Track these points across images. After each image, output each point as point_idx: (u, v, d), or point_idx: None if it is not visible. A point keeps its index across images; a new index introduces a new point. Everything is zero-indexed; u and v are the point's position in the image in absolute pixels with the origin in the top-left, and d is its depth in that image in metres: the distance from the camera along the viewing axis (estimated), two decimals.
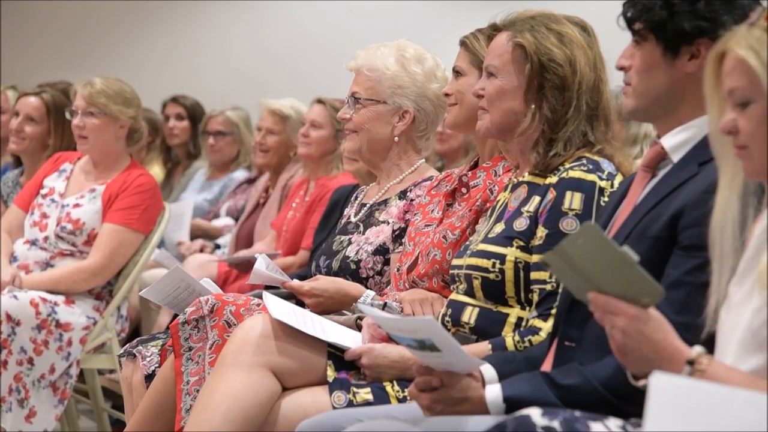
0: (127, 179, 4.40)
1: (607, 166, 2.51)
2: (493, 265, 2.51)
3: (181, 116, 6.75)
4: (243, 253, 5.13)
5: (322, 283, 3.03)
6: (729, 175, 1.82)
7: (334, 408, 2.54)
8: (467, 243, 2.67)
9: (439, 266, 2.83)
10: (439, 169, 4.29)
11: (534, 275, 2.48)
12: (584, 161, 2.51)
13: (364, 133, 3.25)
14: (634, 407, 1.95)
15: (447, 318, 2.59)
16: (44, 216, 4.38)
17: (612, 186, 2.47)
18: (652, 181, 2.18)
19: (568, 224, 2.44)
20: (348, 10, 8.45)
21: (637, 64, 2.15)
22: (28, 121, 4.93)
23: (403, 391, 2.57)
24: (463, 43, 2.99)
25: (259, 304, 2.83)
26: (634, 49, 2.17)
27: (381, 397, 2.56)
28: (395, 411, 2.36)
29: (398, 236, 3.13)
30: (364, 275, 3.13)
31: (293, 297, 3.11)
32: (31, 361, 4.12)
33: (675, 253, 2.01)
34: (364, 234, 3.20)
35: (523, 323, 2.50)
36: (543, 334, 2.42)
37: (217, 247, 5.74)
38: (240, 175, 6.30)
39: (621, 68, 2.20)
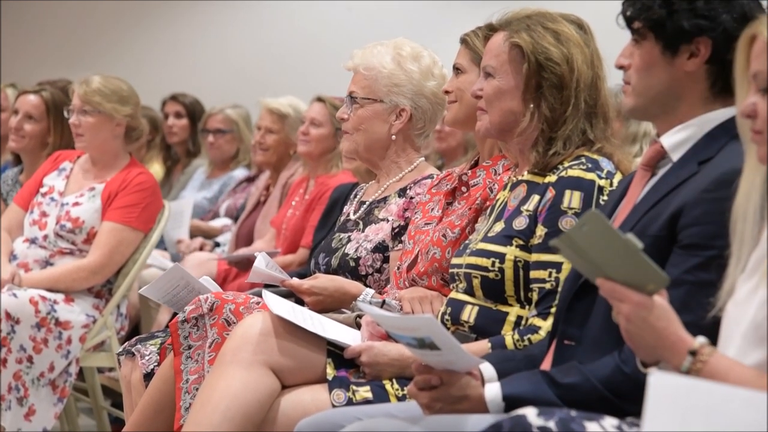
0: (126, 177, 4.40)
1: (606, 165, 2.51)
2: (493, 264, 2.51)
3: (180, 114, 6.75)
4: (242, 252, 5.13)
5: (322, 281, 3.03)
6: (755, 159, 1.81)
7: (334, 406, 2.54)
8: (467, 242, 2.67)
9: (438, 264, 2.83)
10: (439, 168, 4.29)
11: (533, 274, 2.48)
12: (583, 160, 2.51)
13: (361, 133, 3.25)
14: (633, 406, 1.95)
15: (446, 316, 2.60)
16: (44, 214, 4.38)
17: (611, 185, 2.47)
18: (652, 179, 2.18)
19: (567, 223, 2.44)
20: (348, 9, 8.45)
21: (637, 62, 2.15)
22: (27, 119, 4.92)
23: (402, 390, 2.57)
24: (463, 41, 3.00)
25: (258, 303, 2.83)
26: (633, 48, 2.17)
27: (380, 396, 2.57)
28: (394, 409, 2.37)
29: (398, 234, 3.13)
30: (363, 272, 3.13)
31: (292, 295, 3.11)
32: (30, 359, 4.12)
33: (674, 251, 2.01)
34: (363, 231, 3.20)
35: (523, 322, 2.50)
36: (542, 333, 2.42)
37: (217, 245, 5.74)
38: (240, 173, 6.30)
39: (620, 67, 2.20)
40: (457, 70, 3.00)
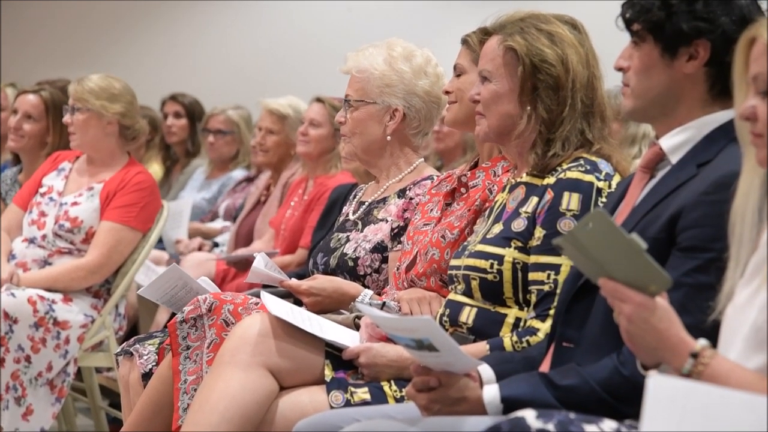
0: (125, 177, 4.40)
1: (605, 167, 2.51)
2: (491, 266, 2.51)
3: (180, 114, 6.75)
4: (241, 252, 5.13)
5: (320, 282, 3.03)
6: (753, 161, 1.81)
7: (332, 407, 2.54)
8: (465, 244, 2.67)
9: (437, 265, 2.83)
10: (438, 169, 4.29)
11: (532, 276, 2.48)
12: (582, 162, 2.51)
13: (358, 135, 3.26)
14: (631, 408, 1.95)
15: (445, 318, 2.59)
16: (42, 214, 4.38)
17: (610, 187, 2.47)
18: (651, 182, 2.18)
19: (565, 225, 2.44)
20: (348, 9, 8.45)
21: (636, 64, 2.15)
22: (26, 118, 4.92)
23: (400, 391, 2.57)
24: (464, 42, 3.00)
25: (257, 303, 2.83)
26: (632, 50, 2.17)
27: (379, 397, 2.56)
28: (393, 411, 2.37)
29: (397, 234, 3.13)
30: (362, 273, 3.13)
31: (291, 296, 3.11)
32: (28, 359, 4.12)
33: (673, 254, 2.01)
34: (362, 232, 3.20)
35: (521, 324, 2.50)
36: (541, 335, 2.42)
37: (215, 245, 5.74)
38: (239, 174, 6.30)
39: (620, 69, 2.20)
40: (458, 70, 3.00)
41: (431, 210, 3.01)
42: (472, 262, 2.54)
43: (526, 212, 2.52)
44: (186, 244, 5.63)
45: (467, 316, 2.55)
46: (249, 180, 6.12)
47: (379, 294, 3.04)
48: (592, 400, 2.02)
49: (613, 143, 2.60)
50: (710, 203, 1.98)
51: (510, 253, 2.50)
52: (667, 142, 2.15)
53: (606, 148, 2.56)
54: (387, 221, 3.17)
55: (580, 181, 2.47)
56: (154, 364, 2.97)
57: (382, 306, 2.84)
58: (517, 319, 2.51)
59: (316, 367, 2.65)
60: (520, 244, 2.50)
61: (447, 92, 3.02)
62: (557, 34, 2.57)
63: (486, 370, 2.22)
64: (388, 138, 3.24)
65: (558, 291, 2.38)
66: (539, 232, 2.47)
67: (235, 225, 5.67)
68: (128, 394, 3.03)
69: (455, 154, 5.51)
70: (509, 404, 2.10)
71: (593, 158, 2.52)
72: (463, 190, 2.93)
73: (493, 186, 2.86)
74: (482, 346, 2.47)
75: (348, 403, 2.55)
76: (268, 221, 5.32)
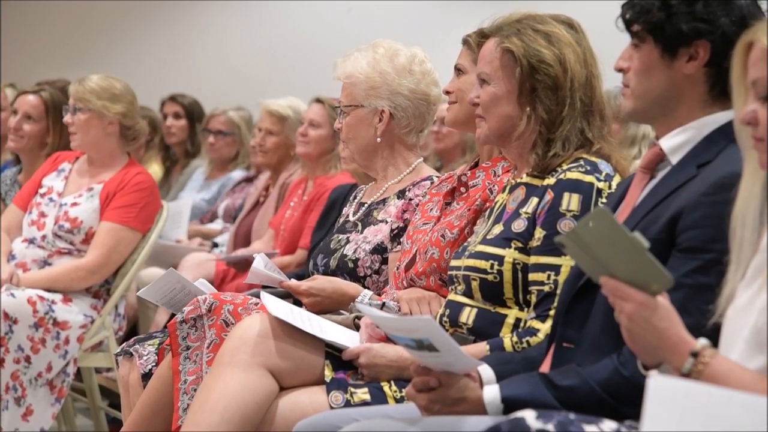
0: (124, 177, 4.40)
1: (605, 168, 2.51)
2: (492, 267, 2.51)
3: (179, 115, 6.75)
4: (241, 252, 5.13)
5: (320, 282, 3.03)
6: (753, 165, 1.81)
7: (332, 408, 2.54)
8: (465, 244, 2.67)
9: (436, 264, 2.83)
10: (438, 169, 4.29)
11: (532, 276, 2.48)
12: (582, 162, 2.51)
13: (352, 140, 3.28)
14: (632, 409, 1.95)
15: (445, 318, 2.60)
16: (42, 215, 4.38)
17: (610, 187, 2.47)
18: (651, 182, 2.18)
19: (565, 225, 2.44)
20: (347, 9, 8.45)
21: (636, 65, 2.16)
22: (26, 119, 4.92)
23: (400, 391, 2.57)
24: (465, 42, 3.00)
25: (257, 304, 2.83)
26: (632, 51, 2.17)
27: (378, 397, 2.56)
28: (393, 411, 2.37)
29: (396, 235, 3.13)
30: (362, 274, 3.13)
31: (290, 296, 3.11)
32: (28, 359, 4.12)
33: (673, 255, 2.01)
34: (362, 233, 3.20)
35: (522, 324, 2.50)
36: (541, 336, 2.42)
37: (215, 245, 5.74)
38: (238, 174, 6.30)
39: (619, 70, 2.20)
40: (459, 70, 3.00)
41: (431, 209, 3.01)
42: (472, 262, 2.54)
43: (526, 213, 2.52)
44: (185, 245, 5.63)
45: (467, 316, 2.55)
46: (248, 180, 6.12)
47: (379, 294, 3.04)
48: (592, 401, 2.02)
49: (612, 142, 2.60)
50: (710, 204, 1.98)
51: (510, 254, 2.50)
52: (668, 142, 2.16)
53: (606, 147, 2.56)
54: (387, 222, 3.17)
55: (581, 182, 2.47)
56: (153, 364, 2.97)
57: (382, 306, 2.84)
58: (518, 320, 2.51)
59: (315, 367, 2.65)
60: (520, 244, 2.50)
61: (447, 92, 3.02)
62: (554, 34, 2.57)
63: (486, 371, 2.22)
64: (378, 140, 3.25)
65: (558, 291, 2.38)
66: (539, 233, 2.47)
67: (234, 225, 5.67)
68: (128, 394, 3.03)
69: (455, 154, 5.51)
70: (509, 404, 2.10)
71: (593, 159, 2.52)
72: (462, 189, 2.93)
73: (493, 186, 2.86)
74: (482, 347, 2.47)
75: (348, 404, 2.55)
76: (267, 222, 5.32)
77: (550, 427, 1.77)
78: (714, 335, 1.84)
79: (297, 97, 5.67)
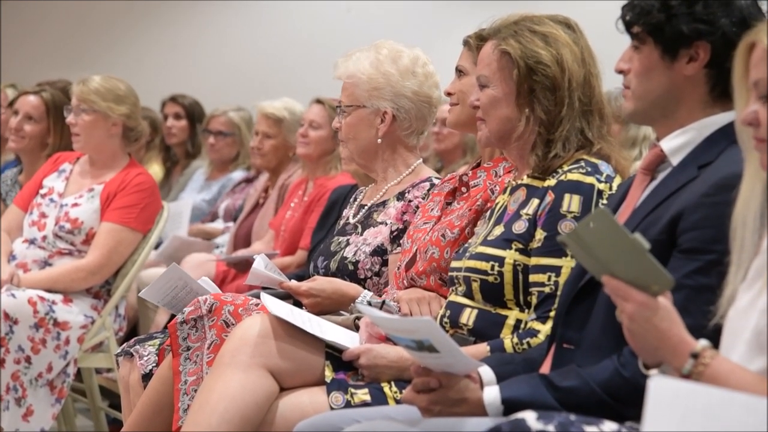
0: (125, 178, 4.40)
1: (606, 169, 2.51)
2: (492, 268, 2.51)
3: (180, 115, 6.75)
4: (241, 253, 5.13)
5: (320, 283, 3.03)
6: (754, 166, 1.81)
7: (332, 409, 2.54)
8: (466, 245, 2.67)
9: (437, 264, 2.83)
10: (438, 170, 4.29)
11: (532, 278, 2.48)
12: (582, 163, 2.51)
13: (352, 140, 3.28)
14: (632, 410, 1.95)
15: (445, 319, 2.60)
16: (43, 215, 4.38)
17: (610, 188, 2.47)
18: (652, 183, 2.18)
19: (566, 227, 2.44)
20: (347, 10, 8.45)
21: (636, 67, 2.16)
22: (27, 119, 4.92)
23: (400, 392, 2.56)
24: (466, 43, 3.00)
25: (257, 304, 2.83)
26: (632, 53, 2.17)
27: (379, 398, 2.56)
28: (393, 412, 2.37)
29: (396, 237, 3.14)
30: (362, 276, 3.13)
31: (290, 297, 3.11)
32: (28, 359, 4.12)
33: (674, 256, 2.01)
34: (362, 235, 3.20)
35: (522, 325, 2.50)
36: (541, 337, 2.42)
37: (215, 246, 5.74)
38: (238, 175, 6.30)
39: (620, 71, 2.20)
40: (460, 72, 3.00)
41: (432, 209, 3.02)
42: (472, 263, 2.55)
43: (527, 214, 2.52)
44: None
45: (468, 317, 2.56)
46: (248, 181, 6.12)
47: (379, 296, 3.04)
48: (592, 402, 2.02)
49: (612, 142, 2.60)
50: (711, 205, 1.98)
51: (511, 255, 2.50)
52: (668, 143, 2.16)
53: (606, 147, 2.57)
54: (386, 224, 3.18)
55: (581, 183, 2.47)
56: (154, 364, 2.97)
57: (382, 304, 2.84)
58: (518, 321, 2.51)
59: (316, 368, 2.65)
60: (520, 246, 2.50)
61: (449, 94, 3.03)
62: (551, 35, 2.57)
63: (486, 372, 2.22)
64: (379, 141, 3.24)
65: (558, 293, 2.38)
66: (540, 234, 2.48)
67: (234, 226, 5.67)
68: (128, 394, 3.03)
69: (455, 155, 5.51)
70: (510, 405, 2.10)
71: (594, 160, 2.53)
72: (463, 189, 2.94)
73: (494, 186, 2.86)
74: (483, 348, 2.47)
75: (348, 404, 2.55)
76: (267, 223, 5.32)
77: (550, 428, 1.77)
78: (715, 336, 1.84)
79: (297, 98, 5.67)
